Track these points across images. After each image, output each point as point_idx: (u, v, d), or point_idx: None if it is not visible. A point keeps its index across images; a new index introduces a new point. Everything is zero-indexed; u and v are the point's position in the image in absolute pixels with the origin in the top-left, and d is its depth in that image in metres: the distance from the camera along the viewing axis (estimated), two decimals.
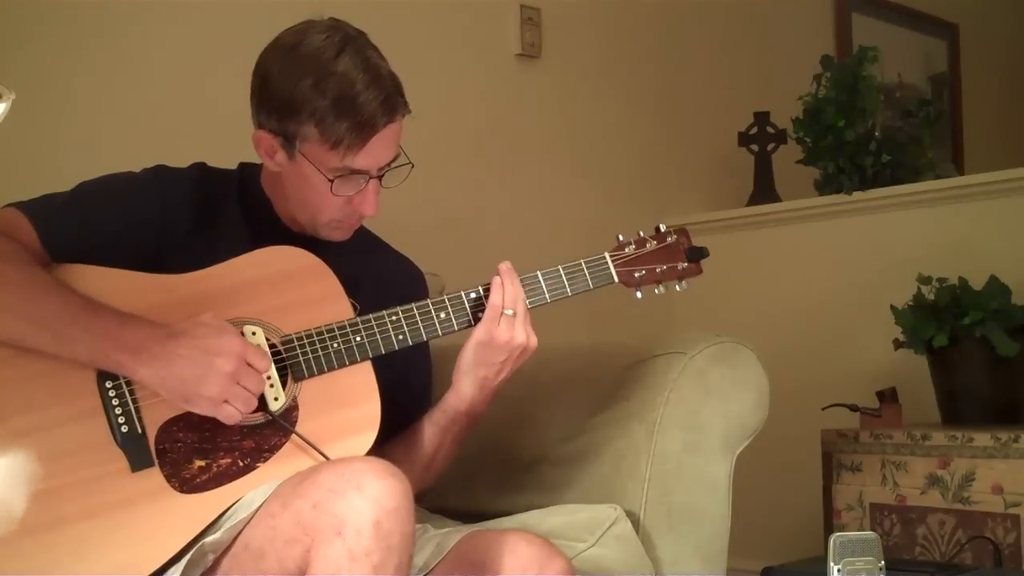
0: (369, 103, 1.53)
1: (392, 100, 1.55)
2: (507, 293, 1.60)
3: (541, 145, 3.17)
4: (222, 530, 1.40)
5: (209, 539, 1.38)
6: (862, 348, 3.07)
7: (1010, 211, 2.97)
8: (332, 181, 1.56)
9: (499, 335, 1.60)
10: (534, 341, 1.62)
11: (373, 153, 1.56)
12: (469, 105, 3.01)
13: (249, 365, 1.44)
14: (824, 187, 3.25)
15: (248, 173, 1.72)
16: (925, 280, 2.75)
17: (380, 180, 1.60)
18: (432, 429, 1.68)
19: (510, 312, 1.59)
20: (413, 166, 1.62)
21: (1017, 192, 2.96)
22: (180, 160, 1.71)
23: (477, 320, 1.61)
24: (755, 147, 3.52)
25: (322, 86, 1.52)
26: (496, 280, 1.61)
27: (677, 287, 1.72)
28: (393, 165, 1.60)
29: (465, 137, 2.99)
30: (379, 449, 1.54)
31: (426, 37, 2.90)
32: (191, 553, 1.38)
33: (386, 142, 1.57)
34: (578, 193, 3.23)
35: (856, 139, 3.16)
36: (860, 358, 3.08)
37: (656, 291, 1.70)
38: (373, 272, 1.74)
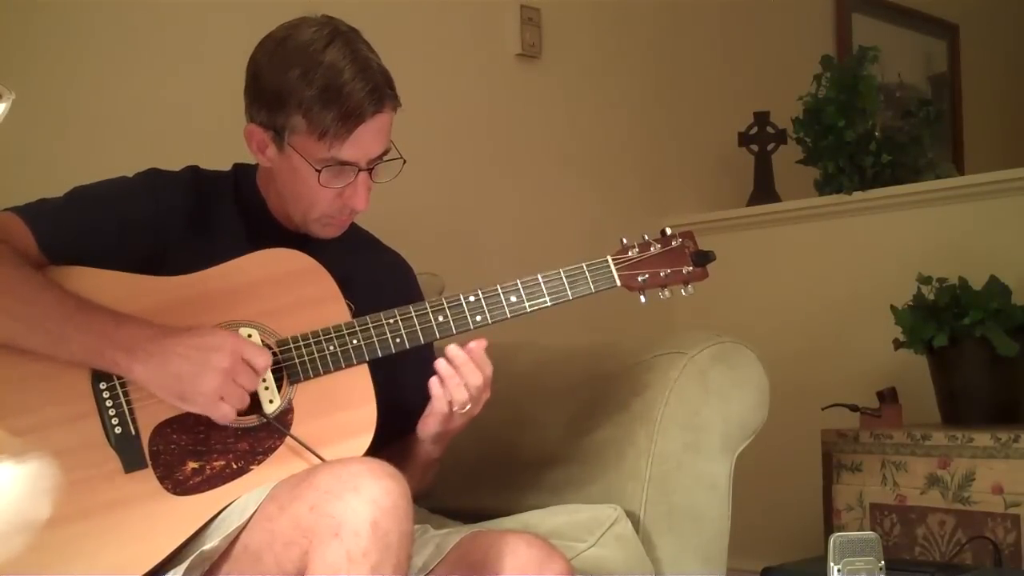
0: (356, 92, 1.52)
1: (380, 91, 1.55)
2: (455, 399, 1.55)
3: (541, 145, 3.17)
4: (217, 535, 1.39)
5: (208, 547, 1.38)
6: (862, 348, 3.07)
7: (1010, 211, 2.97)
8: (319, 172, 1.56)
9: (455, 423, 1.60)
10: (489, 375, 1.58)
11: (360, 143, 1.56)
12: (469, 105, 3.01)
13: (246, 362, 1.44)
14: (824, 187, 3.25)
15: (242, 174, 1.72)
16: (925, 280, 2.75)
17: (371, 174, 1.60)
18: (409, 471, 1.68)
19: (462, 411, 1.57)
20: (405, 161, 1.61)
21: (1017, 192, 2.96)
22: (177, 162, 1.71)
23: (476, 324, 1.59)
24: (755, 147, 3.51)
25: (309, 76, 1.53)
26: (434, 385, 1.56)
27: (683, 291, 1.68)
28: (384, 159, 1.60)
29: (465, 137, 2.99)
30: (382, 453, 1.53)
31: (426, 37, 2.90)
32: (191, 559, 1.38)
33: (374, 133, 1.56)
34: (578, 193, 3.23)
35: (856, 139, 3.15)
36: (860, 358, 3.07)
37: (661, 295, 1.67)
38: (366, 270, 1.73)
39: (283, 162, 1.59)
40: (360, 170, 1.58)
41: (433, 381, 1.56)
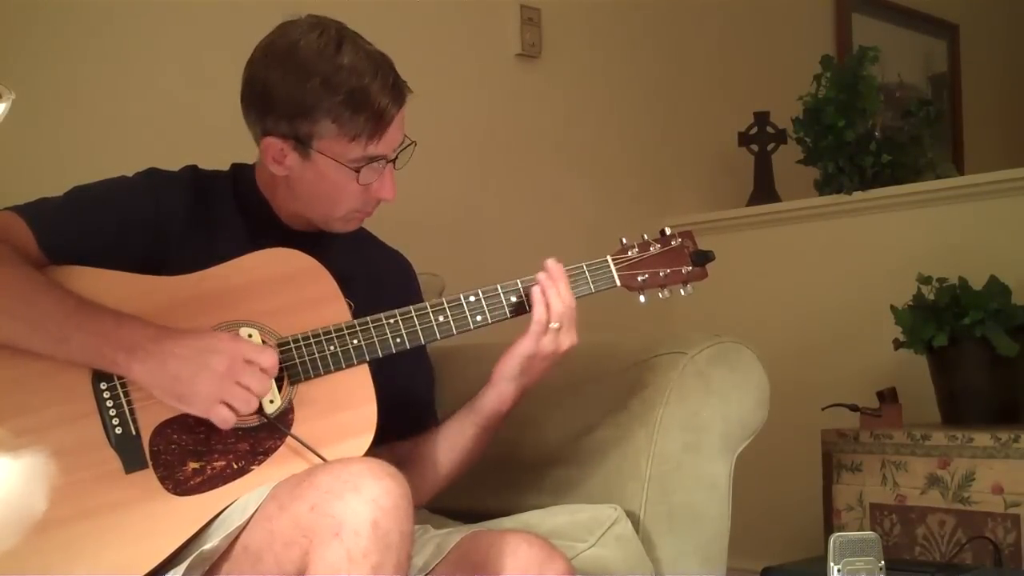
0: (381, 93, 1.56)
1: (398, 85, 1.59)
2: (553, 307, 1.58)
3: (541, 145, 3.17)
4: (217, 535, 1.39)
5: (208, 546, 1.38)
6: (862, 348, 3.07)
7: (1010, 211, 2.97)
8: (358, 171, 1.58)
9: (545, 347, 1.60)
10: (576, 338, 1.61)
11: (391, 138, 1.60)
12: (469, 105, 3.01)
13: (250, 363, 1.44)
14: (824, 187, 3.25)
15: (241, 173, 1.72)
16: (925, 280, 2.75)
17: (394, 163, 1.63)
18: (474, 430, 1.69)
19: (556, 326, 1.58)
20: (415, 144, 1.64)
21: (1017, 192, 2.96)
22: (177, 162, 1.71)
23: (476, 323, 1.60)
24: (755, 147, 3.52)
25: (332, 83, 1.55)
26: (536, 292, 1.59)
27: (682, 291, 1.70)
28: (403, 145, 1.63)
29: (465, 137, 2.99)
30: (391, 452, 1.53)
31: (426, 37, 2.90)
32: (191, 559, 1.38)
33: (399, 124, 1.61)
34: (578, 193, 3.23)
35: (856, 139, 3.16)
36: (860, 358, 3.08)
37: (660, 295, 1.69)
38: (366, 268, 1.74)
39: (308, 168, 1.60)
40: (388, 161, 1.61)
41: (534, 290, 1.58)
